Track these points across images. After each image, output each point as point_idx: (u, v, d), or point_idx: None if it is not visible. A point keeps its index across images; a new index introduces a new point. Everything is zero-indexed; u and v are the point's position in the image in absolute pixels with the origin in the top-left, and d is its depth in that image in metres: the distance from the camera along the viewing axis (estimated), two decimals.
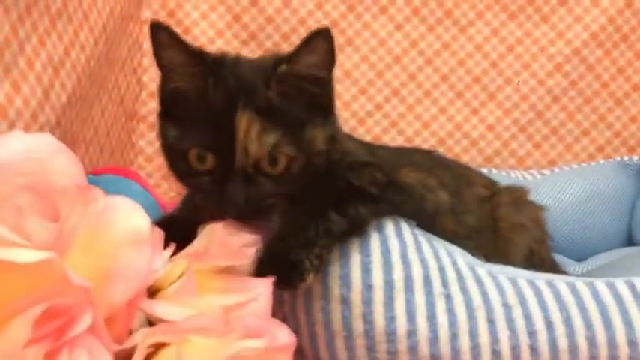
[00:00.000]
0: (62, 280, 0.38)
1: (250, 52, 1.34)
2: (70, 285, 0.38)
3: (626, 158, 1.30)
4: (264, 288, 0.54)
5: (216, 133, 0.57)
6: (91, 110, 1.09)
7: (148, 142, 1.37)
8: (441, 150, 1.37)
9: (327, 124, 0.63)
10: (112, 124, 1.21)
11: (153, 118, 1.36)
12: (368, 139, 1.16)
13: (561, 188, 1.21)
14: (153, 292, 0.52)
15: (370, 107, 1.38)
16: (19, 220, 0.38)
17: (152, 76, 1.36)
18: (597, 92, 1.39)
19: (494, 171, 1.30)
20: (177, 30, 1.32)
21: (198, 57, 0.60)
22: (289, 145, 0.58)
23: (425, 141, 1.39)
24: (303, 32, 1.35)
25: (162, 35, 0.58)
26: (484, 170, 1.26)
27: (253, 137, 0.57)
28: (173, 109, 0.61)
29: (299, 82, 0.59)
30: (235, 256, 0.55)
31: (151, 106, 1.37)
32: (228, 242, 0.56)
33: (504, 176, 1.26)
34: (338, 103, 0.67)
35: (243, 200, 0.57)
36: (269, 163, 0.58)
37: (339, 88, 1.34)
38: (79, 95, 0.98)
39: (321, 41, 0.58)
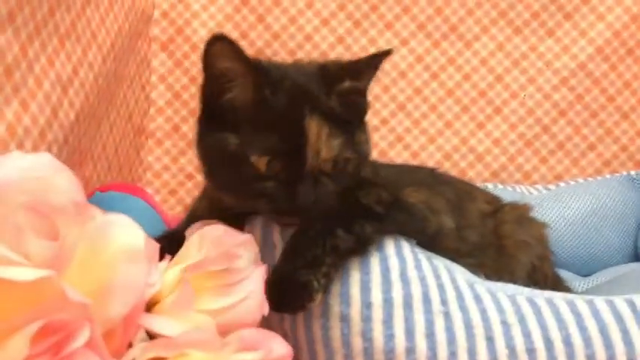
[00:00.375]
0: (60, 297, 0.39)
1: None
2: (68, 301, 0.39)
3: (633, 172, 1.30)
4: (255, 286, 0.55)
5: (283, 138, 0.60)
6: (99, 127, 1.11)
7: (156, 157, 1.39)
8: (447, 165, 1.38)
9: (364, 127, 0.68)
10: (120, 140, 1.23)
11: (161, 134, 1.39)
12: (374, 153, 1.17)
13: (567, 203, 1.20)
14: (151, 304, 0.53)
15: (376, 122, 1.39)
16: (18, 239, 0.39)
17: (160, 92, 1.38)
18: (603, 106, 1.39)
19: (500, 186, 1.30)
20: (186, 47, 1.35)
21: (255, 67, 0.62)
22: (348, 148, 0.62)
23: (430, 156, 1.40)
24: (310, 49, 1.37)
25: (222, 46, 0.60)
26: (490, 185, 1.26)
27: (324, 140, 0.60)
28: (225, 117, 0.62)
29: (355, 95, 0.64)
30: (229, 257, 0.56)
31: (159, 122, 1.39)
32: (221, 243, 0.56)
33: (510, 191, 1.26)
34: None
35: (317, 200, 0.60)
36: (332, 164, 0.62)
37: None
38: (87, 113, 1.00)
39: (380, 62, 0.64)
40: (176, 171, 1.39)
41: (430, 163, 1.38)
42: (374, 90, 1.35)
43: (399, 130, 1.40)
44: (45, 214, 0.41)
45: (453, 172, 1.36)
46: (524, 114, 1.40)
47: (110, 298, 0.43)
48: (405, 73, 1.39)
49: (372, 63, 0.65)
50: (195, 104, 1.25)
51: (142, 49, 1.33)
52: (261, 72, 0.62)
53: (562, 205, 1.20)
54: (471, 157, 1.40)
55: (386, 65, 1.33)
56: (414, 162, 1.38)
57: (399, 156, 1.39)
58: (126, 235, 0.45)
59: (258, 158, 0.60)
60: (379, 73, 1.32)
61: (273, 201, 0.61)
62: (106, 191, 0.99)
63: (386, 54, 0.65)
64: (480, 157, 1.40)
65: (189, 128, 1.39)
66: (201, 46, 1.29)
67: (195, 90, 1.38)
